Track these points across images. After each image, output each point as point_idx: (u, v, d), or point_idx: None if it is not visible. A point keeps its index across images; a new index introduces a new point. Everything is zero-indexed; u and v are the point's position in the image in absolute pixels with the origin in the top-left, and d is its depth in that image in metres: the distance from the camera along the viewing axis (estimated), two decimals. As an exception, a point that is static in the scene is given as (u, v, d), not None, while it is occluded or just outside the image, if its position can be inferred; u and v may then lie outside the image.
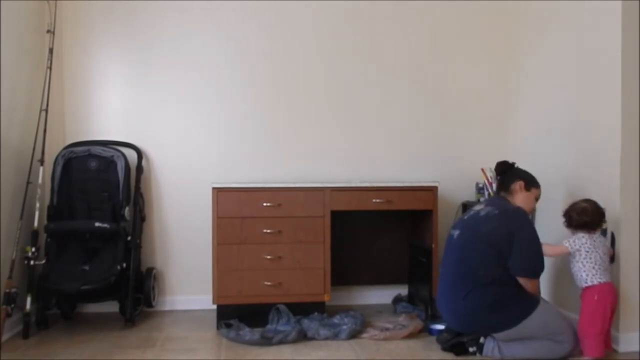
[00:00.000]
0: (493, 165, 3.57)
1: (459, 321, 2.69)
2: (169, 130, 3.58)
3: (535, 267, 2.63)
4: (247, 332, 2.93)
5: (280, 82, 3.65)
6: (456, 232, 2.76)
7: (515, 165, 2.94)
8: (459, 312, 2.65)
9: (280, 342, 2.84)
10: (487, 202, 2.85)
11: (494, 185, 3.52)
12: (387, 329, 3.01)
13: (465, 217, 2.82)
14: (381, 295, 3.67)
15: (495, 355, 2.61)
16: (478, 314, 2.60)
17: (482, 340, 2.64)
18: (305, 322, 3.03)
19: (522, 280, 2.60)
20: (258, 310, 3.12)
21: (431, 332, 2.99)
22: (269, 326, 3.04)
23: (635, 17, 2.71)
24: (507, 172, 2.90)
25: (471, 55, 3.80)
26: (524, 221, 2.67)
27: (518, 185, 2.82)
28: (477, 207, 2.82)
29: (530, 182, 2.86)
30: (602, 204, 2.84)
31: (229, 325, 3.04)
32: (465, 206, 3.68)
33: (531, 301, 2.59)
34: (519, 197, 2.81)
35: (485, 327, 2.65)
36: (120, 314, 3.20)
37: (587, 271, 2.59)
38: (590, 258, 2.59)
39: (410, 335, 2.94)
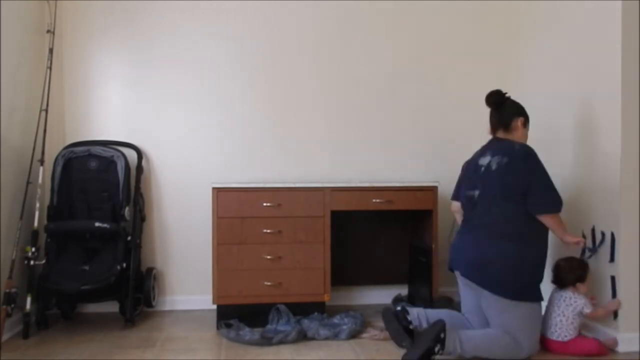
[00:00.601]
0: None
1: (475, 263, 2.61)
2: (169, 130, 3.58)
3: (556, 201, 2.62)
4: (247, 332, 2.93)
5: (280, 83, 3.65)
6: (476, 192, 2.69)
7: (507, 95, 2.80)
8: (481, 257, 2.59)
9: (280, 342, 2.84)
10: (491, 151, 2.70)
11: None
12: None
13: (480, 174, 2.70)
14: (381, 295, 3.67)
15: (457, 351, 2.48)
16: (500, 262, 2.55)
17: (442, 335, 2.46)
18: (305, 322, 3.03)
19: (544, 218, 2.60)
20: (258, 310, 3.12)
21: None
22: (269, 326, 3.04)
23: (635, 17, 2.72)
24: (503, 105, 2.77)
25: (471, 55, 3.80)
26: (536, 160, 2.63)
27: (520, 121, 2.76)
28: (484, 160, 2.71)
29: (527, 116, 2.81)
30: (602, 203, 2.85)
31: (229, 325, 3.04)
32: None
33: (538, 293, 2.61)
34: (518, 134, 2.75)
35: (493, 280, 2.56)
36: (120, 314, 3.20)
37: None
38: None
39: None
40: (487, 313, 2.64)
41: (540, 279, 2.65)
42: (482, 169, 2.70)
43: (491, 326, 2.62)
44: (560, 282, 2.77)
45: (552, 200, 2.62)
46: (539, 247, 2.65)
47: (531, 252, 2.61)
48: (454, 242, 2.85)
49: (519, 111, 2.79)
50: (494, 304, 2.58)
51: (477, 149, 2.84)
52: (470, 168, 2.80)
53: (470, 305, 2.75)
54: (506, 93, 2.80)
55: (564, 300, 2.72)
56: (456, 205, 2.94)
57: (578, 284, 2.73)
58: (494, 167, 2.64)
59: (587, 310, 2.68)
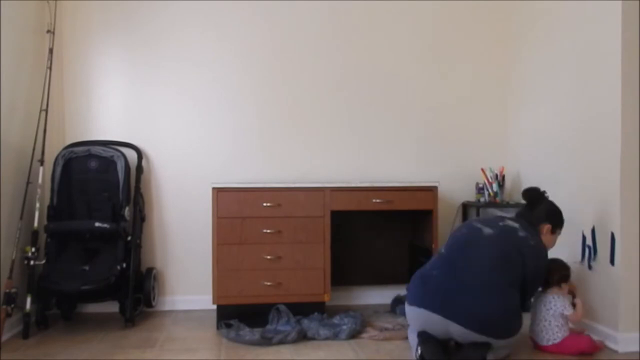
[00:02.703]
0: (493, 166, 3.60)
1: (477, 318, 2.40)
2: (169, 130, 3.58)
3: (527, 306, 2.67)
4: (247, 332, 2.93)
5: (281, 83, 3.65)
6: (487, 230, 2.61)
7: (546, 195, 2.83)
8: (485, 308, 2.40)
9: (280, 343, 2.83)
10: (521, 225, 2.67)
11: (494, 185, 3.53)
12: (387, 329, 3.02)
13: (501, 224, 2.65)
14: (381, 295, 3.67)
15: None
16: (502, 314, 2.45)
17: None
18: (305, 322, 3.03)
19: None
20: (258, 311, 3.12)
21: None
22: (269, 326, 3.04)
23: (635, 17, 2.72)
24: (536, 205, 2.79)
25: (472, 55, 3.80)
26: (543, 257, 2.67)
27: (545, 228, 2.75)
28: (512, 224, 2.66)
29: (557, 224, 2.79)
30: (602, 203, 2.84)
31: (229, 325, 3.04)
32: (465, 206, 3.69)
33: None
34: (543, 238, 2.74)
35: (499, 331, 2.46)
36: (120, 314, 3.19)
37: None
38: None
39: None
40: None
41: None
42: (506, 223, 2.66)
43: None
44: (545, 283, 2.77)
45: (528, 304, 2.66)
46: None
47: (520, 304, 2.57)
48: (429, 274, 2.57)
49: (548, 217, 2.77)
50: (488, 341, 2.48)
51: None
52: (494, 217, 2.79)
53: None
54: (545, 193, 2.83)
55: (544, 305, 2.74)
56: None
57: (562, 284, 2.75)
58: (521, 234, 2.61)
59: (567, 312, 2.69)
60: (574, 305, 2.74)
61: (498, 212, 3.48)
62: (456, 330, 2.42)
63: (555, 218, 2.79)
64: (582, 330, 2.84)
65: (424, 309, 2.47)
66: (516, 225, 2.66)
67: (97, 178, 3.32)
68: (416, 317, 2.53)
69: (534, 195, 2.81)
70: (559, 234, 2.83)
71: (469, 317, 2.39)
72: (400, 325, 3.04)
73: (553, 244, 2.81)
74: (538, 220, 2.75)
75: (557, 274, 2.76)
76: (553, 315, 2.70)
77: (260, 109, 3.65)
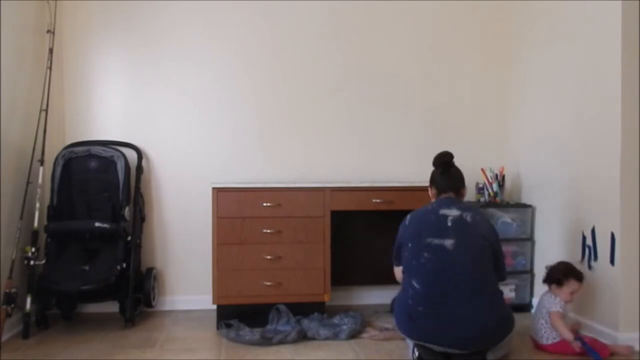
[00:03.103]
0: (493, 166, 3.60)
1: (475, 339, 2.38)
2: (169, 130, 3.58)
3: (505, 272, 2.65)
4: (247, 332, 2.93)
5: (281, 82, 3.65)
6: (448, 241, 2.44)
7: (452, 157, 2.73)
8: (478, 326, 2.37)
9: (280, 343, 2.83)
10: (458, 206, 2.56)
11: (494, 185, 3.53)
12: (387, 329, 3.01)
13: (449, 224, 2.48)
14: (381, 295, 3.66)
15: None
16: (497, 322, 2.44)
17: None
18: (305, 322, 3.03)
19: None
20: (258, 310, 3.12)
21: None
22: (268, 326, 3.04)
23: (635, 17, 2.72)
24: (452, 169, 2.70)
25: (472, 55, 3.80)
26: (493, 227, 2.65)
27: (465, 191, 2.71)
28: (452, 212, 2.52)
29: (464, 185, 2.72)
30: (602, 203, 2.85)
31: (229, 325, 3.04)
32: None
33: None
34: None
35: (498, 338, 2.46)
36: (120, 314, 3.19)
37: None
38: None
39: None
40: None
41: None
42: (451, 219, 2.49)
43: None
44: (548, 280, 2.79)
45: (505, 271, 2.64)
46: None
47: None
48: (412, 312, 2.46)
49: (463, 181, 2.70)
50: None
51: (427, 205, 2.66)
52: (428, 218, 2.55)
53: None
54: (451, 153, 2.73)
55: (541, 304, 2.76)
56: (400, 270, 2.65)
57: (564, 282, 2.73)
58: (468, 219, 2.50)
59: (552, 309, 2.68)
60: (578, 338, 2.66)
61: (498, 212, 3.49)
62: (457, 353, 2.41)
63: (463, 180, 2.72)
64: (576, 325, 2.82)
65: (419, 341, 2.47)
66: (456, 212, 2.52)
67: (97, 178, 3.32)
68: (410, 343, 2.56)
69: (449, 159, 2.71)
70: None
71: (466, 341, 2.39)
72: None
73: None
74: (460, 183, 2.68)
75: (558, 274, 2.76)
76: (546, 313, 2.71)
77: (260, 109, 3.65)
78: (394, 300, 3.51)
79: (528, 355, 2.71)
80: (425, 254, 2.47)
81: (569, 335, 2.64)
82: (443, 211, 2.54)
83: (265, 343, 2.83)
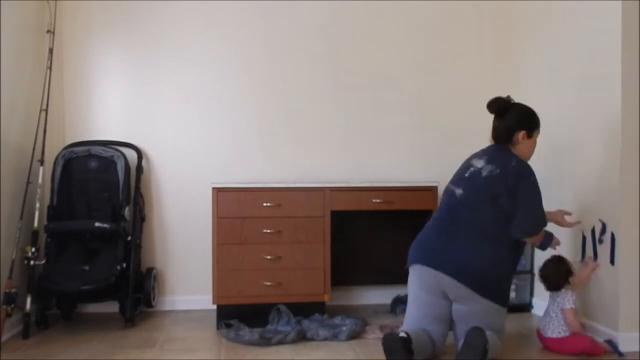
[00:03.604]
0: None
1: (464, 270, 2.48)
2: (169, 130, 3.58)
3: (539, 225, 2.61)
4: (246, 333, 2.93)
5: (281, 82, 3.65)
6: (459, 191, 2.60)
7: (512, 101, 2.67)
8: (472, 261, 2.49)
9: (280, 343, 2.83)
10: (488, 158, 2.60)
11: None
12: (387, 329, 3.01)
13: (467, 175, 2.61)
14: (381, 295, 3.67)
15: None
16: (489, 265, 2.50)
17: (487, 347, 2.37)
18: (306, 322, 3.03)
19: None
20: (258, 311, 3.12)
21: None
22: (268, 326, 3.04)
23: (635, 17, 2.71)
24: (505, 114, 2.63)
25: (471, 55, 3.80)
26: (528, 180, 2.55)
27: (520, 135, 2.62)
28: (477, 163, 2.61)
29: (532, 126, 2.66)
30: (602, 204, 2.85)
31: (229, 325, 3.04)
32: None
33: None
34: (521, 148, 2.64)
35: (486, 283, 2.50)
36: (120, 314, 3.19)
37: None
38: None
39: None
40: (464, 319, 2.52)
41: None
42: (472, 170, 2.61)
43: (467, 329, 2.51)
44: (556, 286, 2.78)
45: (535, 225, 2.60)
46: (517, 253, 2.64)
47: (511, 259, 2.61)
48: (424, 238, 2.67)
49: (520, 123, 2.63)
50: (479, 308, 2.49)
51: (478, 150, 2.73)
52: (463, 165, 2.72)
53: (436, 313, 2.57)
54: (510, 99, 2.67)
55: (554, 300, 2.77)
56: None
57: (570, 279, 2.75)
58: (484, 173, 2.56)
59: (566, 306, 2.69)
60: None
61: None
62: (447, 282, 2.50)
63: (527, 120, 2.66)
64: (581, 325, 2.81)
65: (419, 264, 2.59)
66: (481, 164, 2.58)
67: (97, 178, 3.32)
68: (413, 274, 2.65)
69: (501, 104, 2.64)
70: (538, 135, 2.70)
71: (457, 268, 2.48)
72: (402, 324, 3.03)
73: (533, 148, 2.71)
74: (509, 131, 2.62)
75: (561, 275, 2.76)
76: (559, 309, 2.72)
77: (260, 109, 3.65)
78: (394, 300, 3.54)
79: (528, 355, 2.71)
80: (445, 198, 2.69)
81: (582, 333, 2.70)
82: (473, 161, 2.66)
83: (265, 343, 2.83)
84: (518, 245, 2.62)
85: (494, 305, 2.51)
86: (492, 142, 2.70)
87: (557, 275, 2.77)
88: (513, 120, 2.64)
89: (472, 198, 2.57)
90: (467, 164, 2.69)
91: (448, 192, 2.69)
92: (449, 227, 2.60)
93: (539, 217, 2.61)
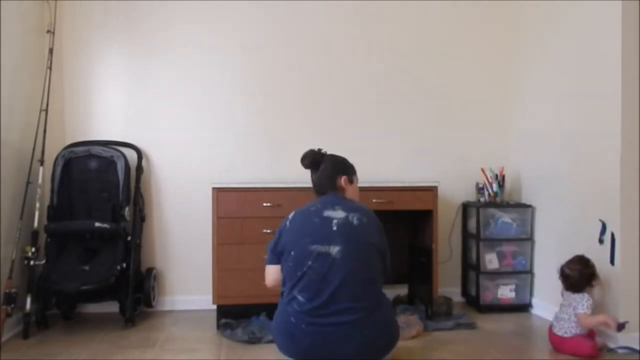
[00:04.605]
0: (493, 166, 3.60)
1: (359, 345, 2.20)
2: (169, 130, 3.58)
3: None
4: (239, 331, 2.96)
5: (281, 82, 3.65)
6: (334, 248, 2.24)
7: (324, 152, 2.53)
8: (366, 333, 2.21)
9: (270, 342, 2.83)
10: (342, 206, 2.36)
11: (494, 185, 3.53)
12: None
13: (335, 229, 2.28)
14: (381, 295, 3.66)
15: None
16: (384, 332, 2.29)
17: None
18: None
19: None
20: (258, 311, 3.12)
21: None
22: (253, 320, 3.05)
23: (635, 17, 2.72)
24: (320, 166, 2.47)
25: (472, 55, 3.80)
26: (381, 225, 2.41)
27: (342, 180, 2.46)
28: (334, 214, 2.32)
29: (351, 172, 2.52)
30: (602, 204, 2.84)
31: (229, 325, 3.04)
32: (465, 206, 3.70)
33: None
34: (348, 194, 2.47)
35: (380, 349, 2.30)
36: (120, 314, 3.19)
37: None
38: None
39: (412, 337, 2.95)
40: None
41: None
42: (336, 222, 2.29)
43: None
44: (576, 288, 2.74)
45: (390, 269, 2.43)
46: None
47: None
48: (302, 328, 2.22)
49: (337, 169, 2.47)
50: None
51: (308, 204, 2.43)
52: (312, 222, 2.32)
53: None
54: (321, 150, 2.53)
55: (569, 302, 2.74)
56: (276, 271, 2.39)
57: (593, 282, 2.73)
58: (355, 222, 2.31)
59: (579, 310, 2.68)
60: None
61: (498, 212, 3.49)
62: None
63: (342, 166, 2.50)
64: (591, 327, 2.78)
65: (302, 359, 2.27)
66: (342, 214, 2.32)
67: (97, 178, 3.32)
68: None
69: (315, 157, 2.49)
70: (357, 182, 2.56)
71: (352, 352, 2.20)
72: (403, 324, 3.03)
73: (358, 195, 2.56)
74: (331, 178, 2.45)
75: (585, 278, 2.74)
76: (573, 311, 2.71)
77: (261, 109, 3.65)
78: (393, 300, 3.53)
79: (529, 355, 2.71)
80: (310, 262, 2.24)
81: (603, 318, 2.65)
82: (327, 213, 2.33)
83: (256, 341, 2.85)
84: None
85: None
86: (317, 196, 2.48)
87: (581, 276, 2.73)
88: (330, 167, 2.47)
89: (356, 252, 2.27)
90: (322, 219, 2.32)
91: (316, 255, 2.24)
92: (325, 298, 2.21)
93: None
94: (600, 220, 2.83)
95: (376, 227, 2.37)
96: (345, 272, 2.22)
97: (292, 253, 2.29)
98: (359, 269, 2.26)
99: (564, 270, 2.79)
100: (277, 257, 2.38)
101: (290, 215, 2.41)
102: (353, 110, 3.71)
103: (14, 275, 2.93)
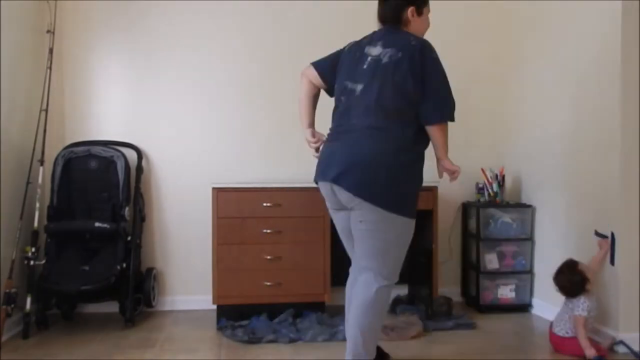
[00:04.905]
0: (493, 166, 3.60)
1: (353, 165, 2.21)
2: (169, 131, 3.58)
3: (451, 109, 2.29)
4: (239, 331, 2.96)
5: (280, 82, 3.65)
6: (359, 87, 2.26)
7: None
8: (361, 158, 2.20)
9: (270, 342, 2.86)
10: (384, 42, 2.27)
11: (494, 185, 3.53)
12: (392, 330, 3.00)
13: (365, 67, 2.26)
14: (381, 295, 3.66)
15: None
16: (385, 168, 2.20)
17: None
18: (305, 322, 3.03)
19: (433, 129, 2.27)
20: (258, 311, 3.12)
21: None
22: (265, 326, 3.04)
23: (635, 17, 2.72)
24: None
25: (472, 55, 3.80)
26: (432, 58, 2.28)
27: (409, 12, 2.34)
28: (373, 51, 2.27)
29: (421, 2, 2.38)
30: (602, 204, 2.84)
31: (228, 325, 3.04)
32: (465, 206, 3.69)
33: (414, 209, 2.33)
34: (413, 27, 2.35)
35: (375, 188, 2.20)
36: (120, 314, 3.19)
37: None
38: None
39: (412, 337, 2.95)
40: (355, 234, 2.30)
41: (418, 196, 2.36)
42: (369, 60, 2.26)
43: (358, 255, 2.33)
44: (572, 294, 2.74)
45: (447, 108, 2.26)
46: (421, 155, 2.37)
47: (417, 161, 2.34)
48: (324, 151, 2.37)
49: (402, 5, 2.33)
50: (367, 217, 2.22)
51: (366, 36, 2.39)
52: (354, 55, 2.34)
53: (345, 232, 2.41)
54: None
55: (567, 305, 2.74)
56: (313, 73, 2.48)
57: (587, 286, 2.71)
58: (384, 60, 2.22)
59: (576, 313, 2.67)
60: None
61: (498, 212, 3.49)
62: (335, 189, 2.29)
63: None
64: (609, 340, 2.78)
65: (319, 180, 2.39)
66: (378, 51, 2.27)
67: (97, 178, 3.32)
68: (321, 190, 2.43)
69: None
70: (429, 12, 2.46)
71: (345, 168, 2.23)
72: (404, 323, 3.03)
73: (426, 28, 2.45)
74: (397, 9, 2.33)
75: (579, 284, 2.72)
76: (572, 316, 2.70)
77: (260, 109, 3.64)
78: (393, 300, 3.53)
79: (527, 355, 2.71)
80: (342, 98, 2.33)
81: (586, 345, 2.61)
82: (368, 49, 2.30)
83: (256, 341, 2.85)
84: (423, 145, 2.35)
85: (391, 214, 2.21)
86: (380, 26, 2.40)
87: (572, 284, 2.72)
88: None
89: (374, 91, 2.23)
90: (359, 55, 2.32)
91: (346, 91, 2.31)
92: (346, 126, 2.29)
93: (450, 99, 2.29)
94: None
95: (408, 64, 2.20)
96: (362, 109, 2.24)
97: (336, 85, 2.39)
98: (377, 109, 2.21)
99: (556, 280, 2.79)
100: (325, 64, 2.48)
101: (347, 46, 2.44)
102: (353, 110, 3.71)
103: (14, 275, 2.93)
